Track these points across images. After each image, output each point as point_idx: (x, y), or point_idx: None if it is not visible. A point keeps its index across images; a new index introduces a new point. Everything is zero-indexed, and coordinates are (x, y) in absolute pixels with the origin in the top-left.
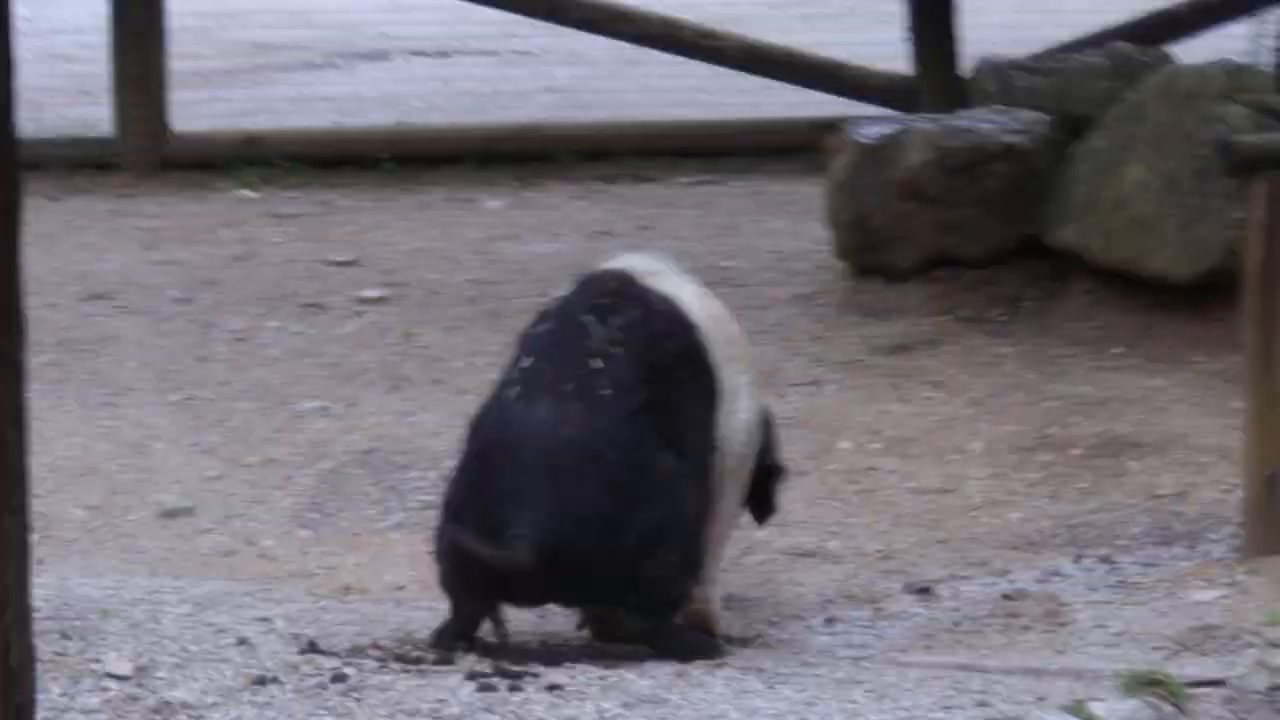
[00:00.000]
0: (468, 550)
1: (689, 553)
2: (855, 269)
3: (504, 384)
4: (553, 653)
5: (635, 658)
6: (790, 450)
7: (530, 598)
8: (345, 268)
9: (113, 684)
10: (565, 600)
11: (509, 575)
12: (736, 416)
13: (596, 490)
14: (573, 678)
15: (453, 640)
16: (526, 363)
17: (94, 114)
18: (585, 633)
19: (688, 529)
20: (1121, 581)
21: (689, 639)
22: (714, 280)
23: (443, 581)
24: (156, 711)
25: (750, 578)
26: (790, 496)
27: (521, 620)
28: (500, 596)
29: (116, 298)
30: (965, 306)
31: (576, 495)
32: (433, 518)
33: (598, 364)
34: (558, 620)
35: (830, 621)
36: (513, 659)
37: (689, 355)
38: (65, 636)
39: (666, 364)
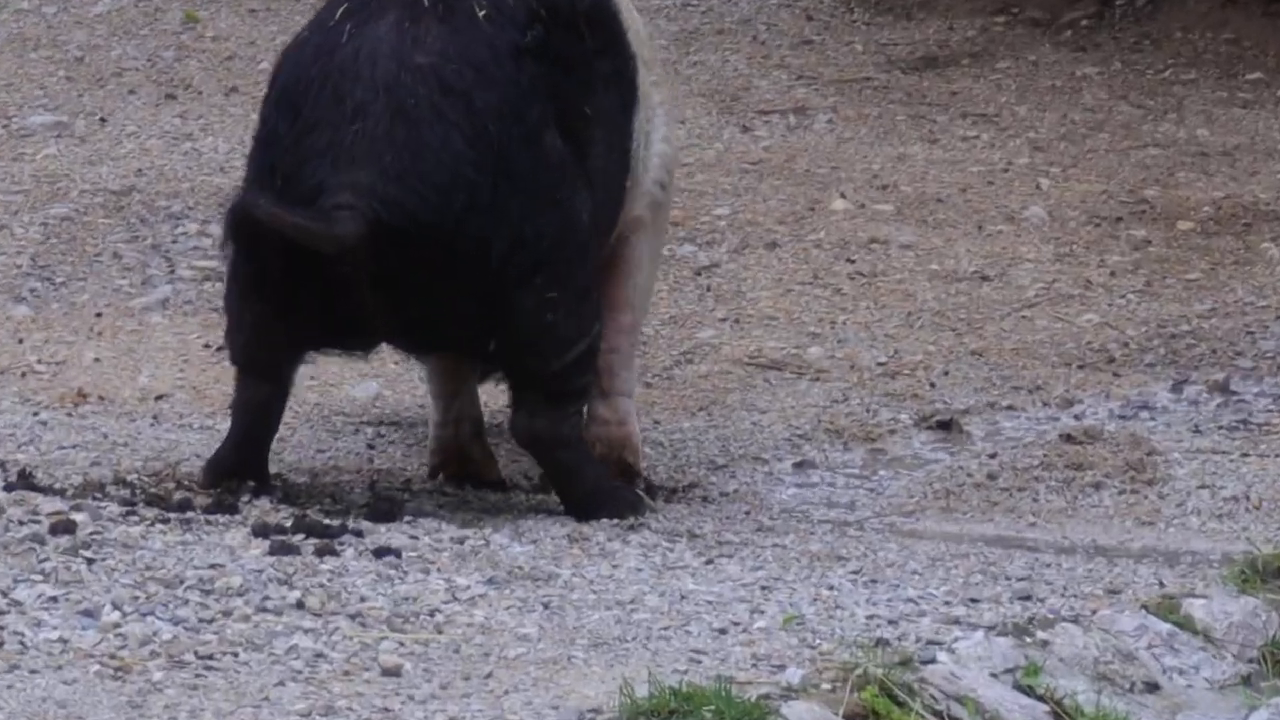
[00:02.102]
0: (264, 220)
1: (580, 292)
2: None
3: (327, 6)
4: (386, 502)
5: (508, 513)
6: (758, 208)
7: (353, 322)
8: None
9: None
10: (403, 330)
11: (326, 266)
12: (652, 143)
13: (458, 145)
14: (414, 539)
15: (235, 467)
16: None
17: None
18: (438, 481)
19: (579, 252)
20: (1242, 421)
21: (597, 476)
22: None
23: (228, 307)
24: None
25: (687, 398)
26: (751, 278)
27: (340, 452)
28: (310, 321)
29: None
30: (1031, 3)
31: (429, 149)
32: (217, 292)
33: None
34: (395, 454)
35: (803, 466)
36: (325, 508)
37: (602, 23)
38: None
39: (570, 18)
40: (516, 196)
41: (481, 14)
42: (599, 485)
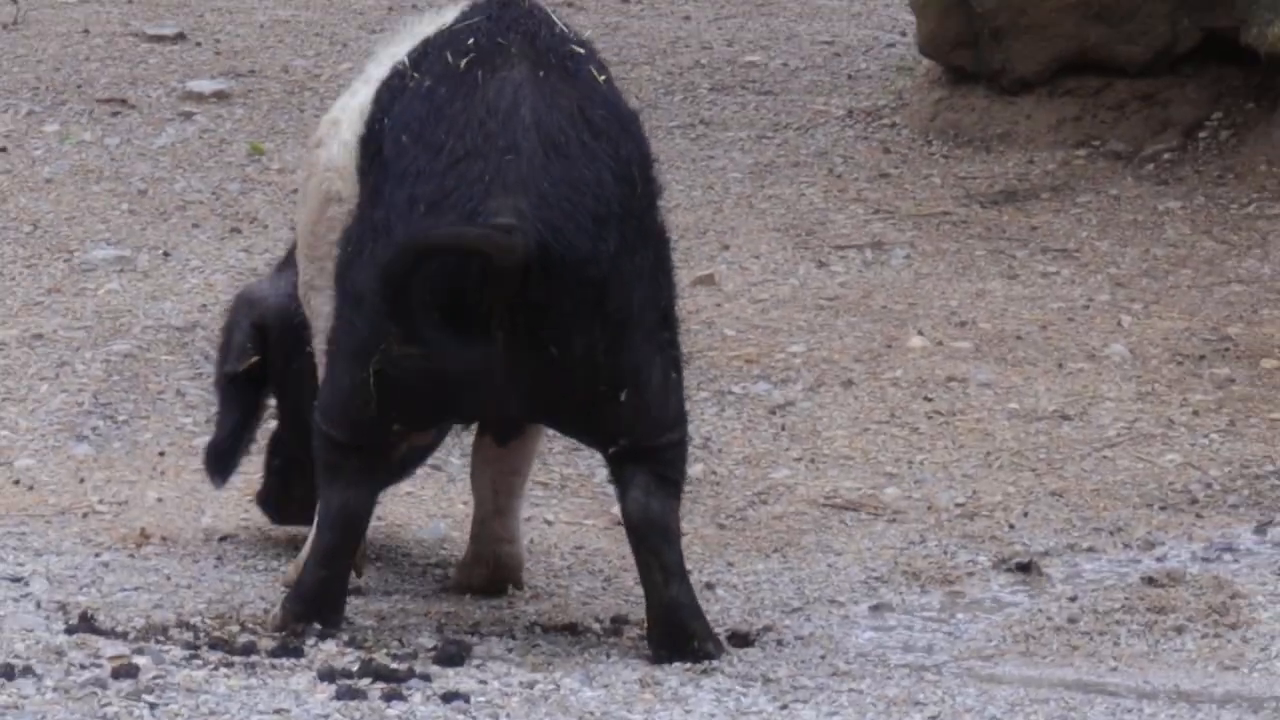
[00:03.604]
0: (442, 243)
1: (681, 371)
2: (949, 73)
3: (438, 58)
4: (454, 645)
5: (578, 655)
6: (834, 345)
7: (479, 373)
8: (167, 44)
9: None
10: (534, 378)
11: (495, 276)
12: None
13: (610, 182)
14: (483, 683)
15: (323, 587)
16: (474, 24)
17: None
18: (507, 612)
19: (678, 333)
20: None
21: (690, 593)
22: (730, 83)
23: (330, 381)
24: None
25: (761, 539)
26: (826, 417)
27: (407, 594)
28: (434, 370)
29: None
30: (1112, 135)
31: (584, 182)
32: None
33: (579, 49)
34: (463, 596)
35: (879, 609)
36: (392, 651)
37: (654, 167)
38: None
39: (638, 157)
40: (650, 249)
41: (602, 79)
42: (691, 601)
